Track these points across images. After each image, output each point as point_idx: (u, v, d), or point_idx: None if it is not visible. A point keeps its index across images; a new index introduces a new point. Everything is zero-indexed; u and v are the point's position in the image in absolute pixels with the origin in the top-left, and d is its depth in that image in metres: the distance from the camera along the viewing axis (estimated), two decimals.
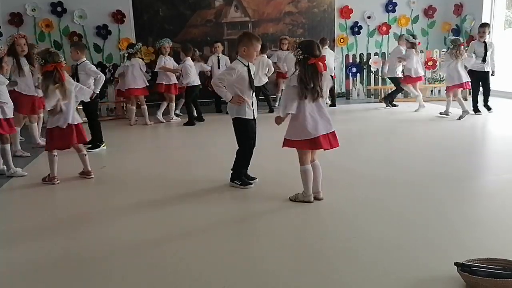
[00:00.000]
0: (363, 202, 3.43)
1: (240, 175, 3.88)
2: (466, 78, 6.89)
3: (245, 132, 3.80)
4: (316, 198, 3.42)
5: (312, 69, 3.16)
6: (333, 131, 3.33)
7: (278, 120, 3.35)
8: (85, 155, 4.38)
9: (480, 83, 7.27)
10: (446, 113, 7.09)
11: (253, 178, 3.95)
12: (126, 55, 7.26)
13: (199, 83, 7.38)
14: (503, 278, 2.09)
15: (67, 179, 4.29)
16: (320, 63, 3.18)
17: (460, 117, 6.74)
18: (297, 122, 3.25)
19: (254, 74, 3.81)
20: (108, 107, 8.63)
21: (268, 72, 7.64)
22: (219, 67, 8.00)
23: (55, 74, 4.02)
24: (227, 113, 4.08)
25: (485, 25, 7.51)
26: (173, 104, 7.71)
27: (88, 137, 4.86)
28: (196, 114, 7.42)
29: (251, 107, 3.76)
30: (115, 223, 3.22)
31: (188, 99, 7.37)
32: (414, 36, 8.16)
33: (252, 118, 3.80)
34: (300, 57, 3.17)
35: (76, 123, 4.21)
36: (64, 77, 4.11)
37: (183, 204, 3.54)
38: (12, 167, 4.48)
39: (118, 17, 9.15)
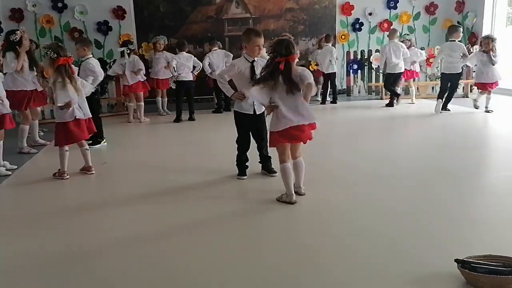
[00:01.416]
0: (363, 199, 3.42)
1: (240, 165, 3.99)
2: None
3: (240, 126, 3.91)
4: (298, 194, 3.41)
5: (275, 67, 3.20)
6: (307, 124, 3.28)
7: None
8: (87, 150, 4.39)
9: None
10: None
11: (275, 172, 3.96)
12: (128, 52, 7.24)
13: (190, 78, 7.33)
14: (503, 275, 2.09)
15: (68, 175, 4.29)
16: (285, 62, 3.17)
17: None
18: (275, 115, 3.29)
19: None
20: (109, 103, 8.64)
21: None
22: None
23: (67, 69, 4.06)
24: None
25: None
26: (161, 99, 7.97)
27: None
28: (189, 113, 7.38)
29: (251, 103, 3.78)
30: (115, 220, 3.22)
31: (178, 94, 7.39)
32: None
33: (252, 113, 3.81)
34: (270, 55, 3.27)
35: (86, 117, 4.28)
36: (74, 71, 4.18)
37: (184, 202, 3.54)
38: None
39: (119, 13, 9.14)
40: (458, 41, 7.17)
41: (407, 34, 8.74)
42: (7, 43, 5.31)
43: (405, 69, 8.17)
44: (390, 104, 8.05)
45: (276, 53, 3.22)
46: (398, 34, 8.25)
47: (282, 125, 3.23)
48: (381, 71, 8.50)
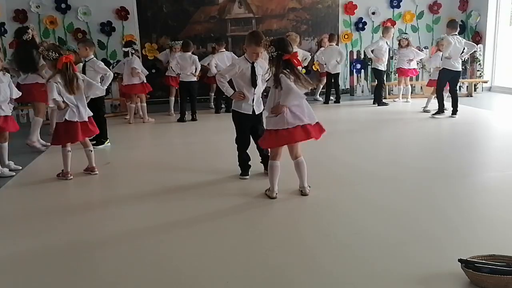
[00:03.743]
0: (365, 199, 3.42)
1: (241, 164, 4.02)
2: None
3: (238, 125, 3.93)
4: (302, 194, 3.46)
5: (287, 64, 3.24)
6: (313, 124, 3.33)
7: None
8: (91, 150, 4.40)
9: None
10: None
11: None
12: (133, 52, 7.26)
13: (193, 79, 7.33)
14: (507, 274, 2.08)
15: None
16: (294, 59, 3.25)
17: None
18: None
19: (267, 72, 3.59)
20: (112, 103, 8.66)
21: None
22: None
23: (69, 67, 4.07)
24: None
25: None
26: (173, 98, 8.04)
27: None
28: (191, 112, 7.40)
29: (251, 103, 3.80)
30: (119, 218, 3.23)
31: (181, 94, 7.44)
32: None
33: (250, 113, 3.83)
34: (274, 54, 3.25)
35: (87, 119, 4.25)
36: (76, 68, 4.18)
37: (186, 201, 3.55)
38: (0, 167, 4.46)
39: (122, 13, 9.16)
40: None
41: (405, 33, 8.77)
42: (18, 41, 5.34)
43: (399, 67, 8.48)
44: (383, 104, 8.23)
45: (282, 51, 3.23)
46: (392, 32, 8.43)
47: (286, 124, 3.23)
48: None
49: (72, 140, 4.22)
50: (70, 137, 4.18)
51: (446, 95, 6.87)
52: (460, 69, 6.67)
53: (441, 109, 6.76)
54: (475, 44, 6.96)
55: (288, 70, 3.23)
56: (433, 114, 6.83)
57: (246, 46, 3.75)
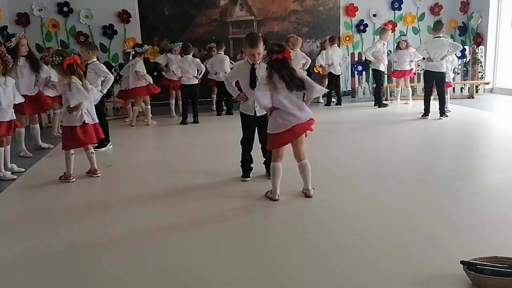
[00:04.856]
0: (366, 200, 3.42)
1: (243, 166, 4.04)
2: None
3: (243, 126, 3.99)
4: (306, 195, 3.47)
5: (272, 65, 3.29)
6: (305, 122, 3.33)
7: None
8: (93, 153, 4.41)
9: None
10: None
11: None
12: (133, 53, 7.28)
13: (194, 82, 7.34)
14: (509, 276, 2.08)
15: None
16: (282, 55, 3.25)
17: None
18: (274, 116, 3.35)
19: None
20: (115, 106, 8.68)
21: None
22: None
23: (76, 68, 4.09)
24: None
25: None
26: (174, 101, 8.15)
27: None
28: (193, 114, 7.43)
29: (251, 105, 3.81)
30: (120, 220, 3.24)
31: (182, 97, 7.52)
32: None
33: (252, 115, 3.84)
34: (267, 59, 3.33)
35: (94, 123, 4.29)
36: (83, 68, 4.20)
37: (188, 203, 3.55)
38: (3, 170, 4.44)
39: (124, 16, 9.20)
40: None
41: (404, 35, 8.80)
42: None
43: (398, 69, 8.46)
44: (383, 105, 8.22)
45: (271, 53, 3.29)
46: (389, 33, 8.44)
47: (282, 126, 3.28)
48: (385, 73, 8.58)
49: (90, 142, 4.28)
50: (88, 139, 4.23)
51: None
52: (444, 70, 6.61)
53: (426, 112, 6.79)
54: (460, 45, 6.99)
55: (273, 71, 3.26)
56: (422, 116, 6.85)
57: (244, 48, 3.81)
